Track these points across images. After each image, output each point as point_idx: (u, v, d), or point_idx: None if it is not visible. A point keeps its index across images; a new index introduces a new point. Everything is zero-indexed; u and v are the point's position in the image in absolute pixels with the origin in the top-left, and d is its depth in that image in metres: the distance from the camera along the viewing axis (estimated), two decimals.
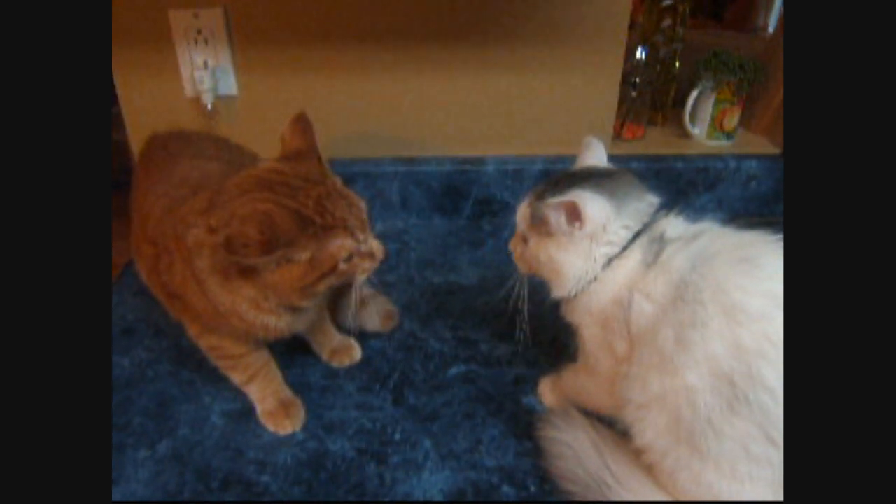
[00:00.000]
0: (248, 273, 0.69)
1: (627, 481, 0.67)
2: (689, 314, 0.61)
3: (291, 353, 0.93)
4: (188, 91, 1.19)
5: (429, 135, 1.27)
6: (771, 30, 1.76)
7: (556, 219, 0.69)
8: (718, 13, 1.93)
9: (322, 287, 0.71)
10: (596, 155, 0.81)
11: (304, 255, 0.67)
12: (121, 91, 1.20)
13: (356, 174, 1.25)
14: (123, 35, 1.13)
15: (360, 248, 0.71)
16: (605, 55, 1.21)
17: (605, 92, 1.25)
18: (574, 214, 0.68)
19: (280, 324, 0.76)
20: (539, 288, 0.79)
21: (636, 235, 0.70)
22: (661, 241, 0.69)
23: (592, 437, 0.71)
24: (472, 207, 1.30)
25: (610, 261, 0.70)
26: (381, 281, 1.10)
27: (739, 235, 0.67)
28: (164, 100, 1.20)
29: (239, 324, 0.74)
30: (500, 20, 1.16)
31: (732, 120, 1.36)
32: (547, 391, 0.86)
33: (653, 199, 0.73)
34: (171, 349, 0.95)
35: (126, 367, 0.92)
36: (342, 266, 0.70)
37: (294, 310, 0.75)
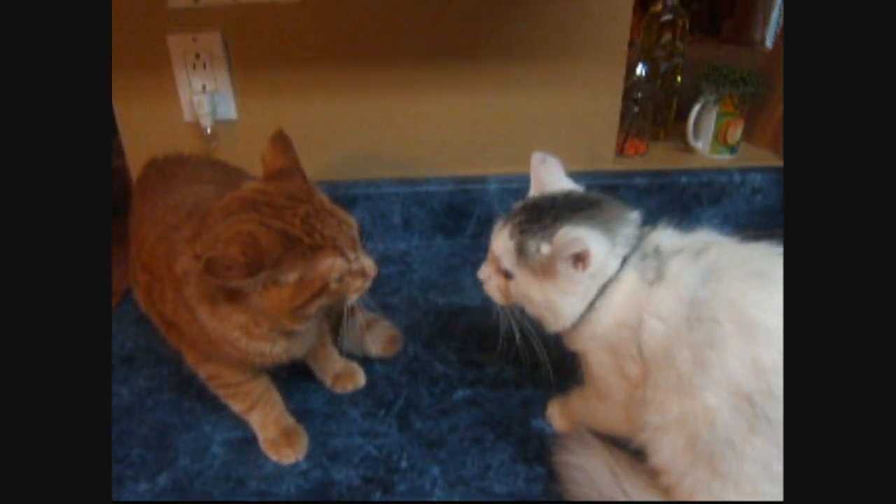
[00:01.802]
0: (235, 298, 0.67)
1: None
2: (704, 333, 0.59)
3: (293, 379, 0.91)
4: (187, 115, 1.19)
5: (430, 155, 1.26)
6: (769, 44, 1.76)
7: (565, 267, 0.66)
8: (715, 28, 1.94)
9: (313, 308, 0.68)
10: (555, 173, 0.77)
11: (291, 276, 0.65)
12: (119, 116, 1.19)
13: (357, 196, 1.24)
14: (122, 59, 1.13)
15: (351, 267, 0.69)
16: (606, 71, 1.21)
17: (606, 108, 1.24)
18: (580, 258, 0.65)
19: (275, 350, 0.74)
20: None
21: (626, 259, 0.68)
22: (659, 256, 0.66)
23: (608, 461, 0.68)
24: (475, 227, 1.28)
25: (604, 288, 0.67)
26: (384, 304, 1.08)
27: (748, 248, 0.65)
28: (162, 125, 1.19)
29: (233, 352, 0.72)
30: (499, 39, 1.16)
31: (736, 133, 1.35)
32: (556, 414, 0.84)
33: (634, 216, 0.71)
34: (171, 377, 0.93)
35: (125, 396, 0.90)
36: (333, 286, 0.68)
37: (289, 335, 0.73)
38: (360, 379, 0.91)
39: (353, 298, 0.73)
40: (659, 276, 0.65)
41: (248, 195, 0.68)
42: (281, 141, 0.72)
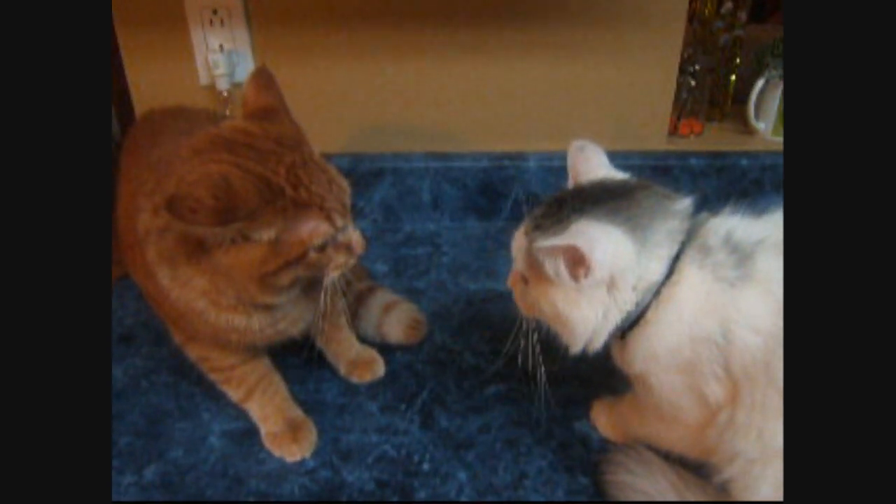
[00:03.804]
0: (196, 257, 0.57)
1: None
2: None
3: (306, 365, 0.81)
4: (203, 78, 1.10)
5: (464, 127, 1.16)
6: None
7: (554, 267, 0.54)
8: (762, 17, 1.80)
9: (286, 279, 0.58)
10: (595, 163, 0.65)
11: (266, 234, 0.55)
12: (131, 78, 1.11)
13: (384, 170, 1.14)
14: (134, 17, 1.05)
15: (336, 237, 0.59)
16: (662, 39, 1.09)
17: (661, 80, 1.12)
18: (577, 260, 0.53)
19: (252, 325, 0.63)
20: None
21: (677, 257, 0.55)
22: (736, 250, 0.54)
23: (675, 484, 0.57)
24: (511, 208, 1.17)
25: (658, 293, 0.54)
26: (409, 287, 0.99)
27: None
28: (177, 88, 1.11)
29: (203, 326, 0.62)
30: (545, 0, 1.04)
31: None
32: (602, 417, 0.73)
33: (682, 205, 0.57)
34: (171, 358, 0.84)
35: (118, 377, 0.82)
36: (312, 255, 0.58)
37: (267, 308, 0.63)
38: (379, 368, 0.81)
39: (332, 275, 0.62)
40: (744, 276, 0.52)
41: (224, 133, 0.57)
42: (263, 76, 0.62)
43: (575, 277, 0.54)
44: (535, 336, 0.65)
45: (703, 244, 0.55)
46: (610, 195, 0.57)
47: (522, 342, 0.66)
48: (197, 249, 0.56)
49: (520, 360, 0.66)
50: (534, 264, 0.57)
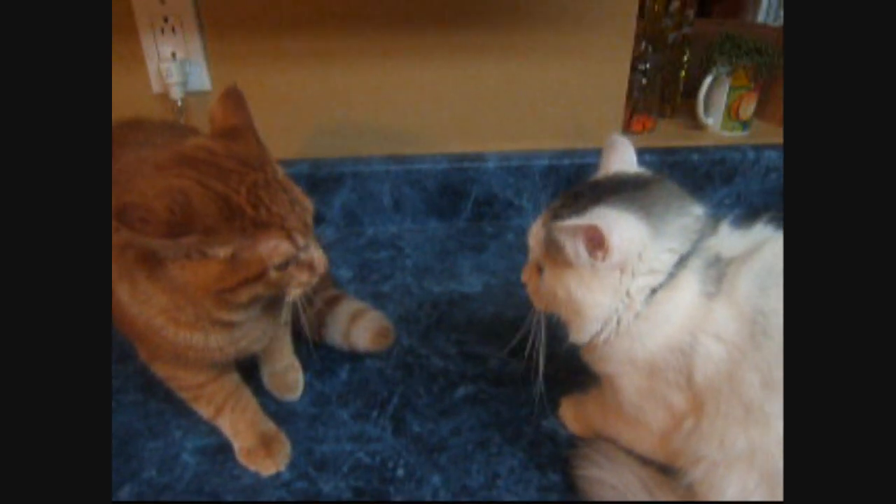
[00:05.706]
0: (155, 273, 0.57)
1: None
2: (773, 350, 0.50)
3: None
4: (155, 87, 1.08)
5: (423, 130, 1.17)
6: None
7: (574, 247, 0.55)
8: (706, 10, 1.86)
9: (245, 296, 0.58)
10: (623, 157, 0.66)
11: (223, 251, 0.55)
12: None
13: (344, 175, 1.14)
14: None
15: (298, 256, 0.59)
16: (613, 39, 1.12)
17: (613, 79, 1.16)
18: (596, 242, 0.54)
19: (211, 343, 0.63)
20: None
21: (684, 259, 0.56)
22: (719, 265, 0.56)
23: (642, 478, 0.60)
24: (472, 208, 1.19)
25: (654, 292, 0.56)
26: (374, 292, 1.00)
27: None
28: (129, 97, 1.08)
29: (163, 344, 0.62)
30: (499, 3, 1.06)
31: (749, 108, 1.26)
32: (570, 414, 0.75)
33: (698, 212, 0.59)
34: (138, 376, 0.83)
35: None
36: (272, 274, 0.58)
37: (226, 326, 0.63)
38: (296, 386, 0.80)
39: (294, 294, 0.62)
40: (719, 290, 0.55)
41: (188, 151, 0.57)
42: (233, 97, 0.62)
43: (593, 259, 0.55)
44: (543, 333, 0.66)
45: (706, 257, 0.56)
46: (627, 185, 0.59)
47: (531, 339, 0.67)
48: (156, 267, 0.56)
49: (526, 355, 0.68)
50: (551, 250, 0.58)
